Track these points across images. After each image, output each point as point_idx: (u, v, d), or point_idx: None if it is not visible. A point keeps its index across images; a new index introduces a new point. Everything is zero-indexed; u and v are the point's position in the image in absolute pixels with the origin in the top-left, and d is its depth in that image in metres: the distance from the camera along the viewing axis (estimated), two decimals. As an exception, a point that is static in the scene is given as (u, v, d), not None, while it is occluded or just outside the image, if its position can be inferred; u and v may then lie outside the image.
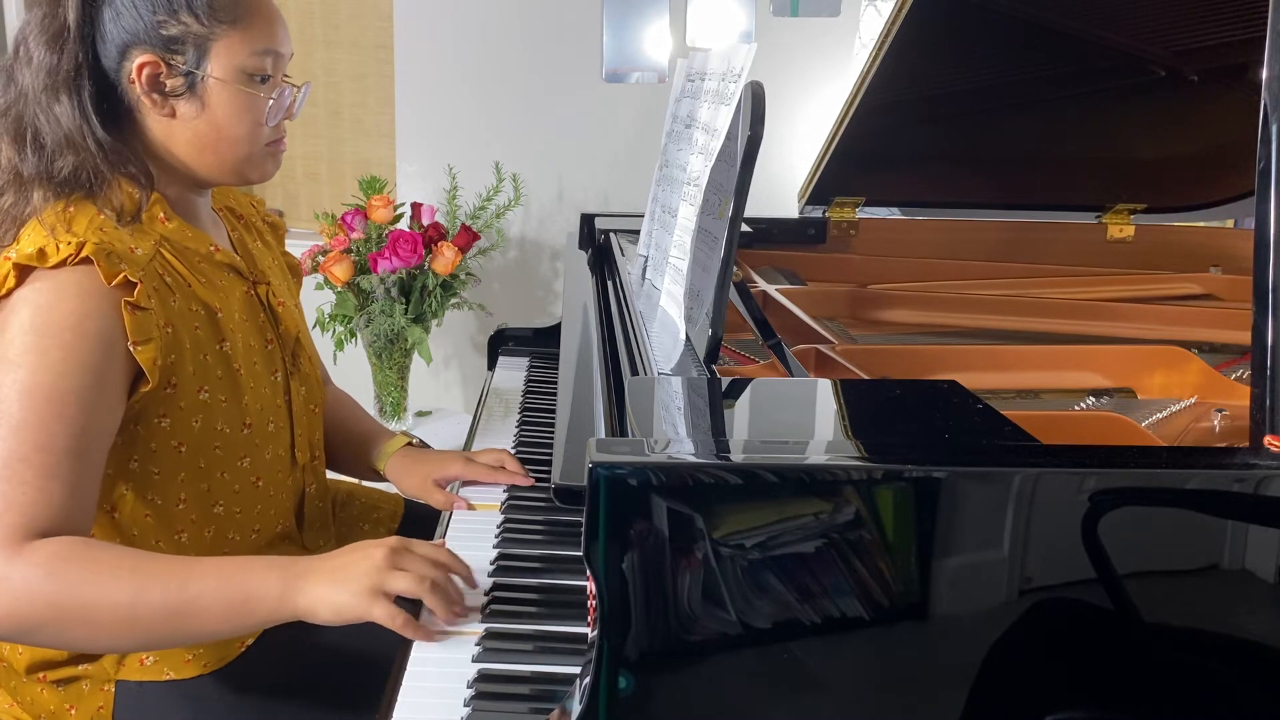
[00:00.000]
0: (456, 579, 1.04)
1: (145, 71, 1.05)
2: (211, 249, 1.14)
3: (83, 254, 0.98)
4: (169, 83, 1.06)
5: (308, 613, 0.96)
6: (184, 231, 1.12)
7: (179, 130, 1.09)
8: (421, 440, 1.42)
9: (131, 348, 1.00)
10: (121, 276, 0.99)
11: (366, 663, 1.12)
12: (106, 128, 1.05)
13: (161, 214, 1.10)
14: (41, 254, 0.98)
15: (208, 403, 1.09)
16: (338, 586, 0.95)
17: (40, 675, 1.12)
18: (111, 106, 1.06)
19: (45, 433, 0.94)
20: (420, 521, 1.41)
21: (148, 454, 1.07)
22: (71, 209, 1.03)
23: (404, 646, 0.99)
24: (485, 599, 1.06)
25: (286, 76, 1.14)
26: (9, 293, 0.99)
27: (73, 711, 1.12)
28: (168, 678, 1.11)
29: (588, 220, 1.88)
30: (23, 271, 0.99)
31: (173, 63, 1.05)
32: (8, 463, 0.93)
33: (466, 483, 1.31)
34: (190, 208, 1.15)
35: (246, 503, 1.17)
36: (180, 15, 1.04)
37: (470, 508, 1.27)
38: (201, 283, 1.11)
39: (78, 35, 1.03)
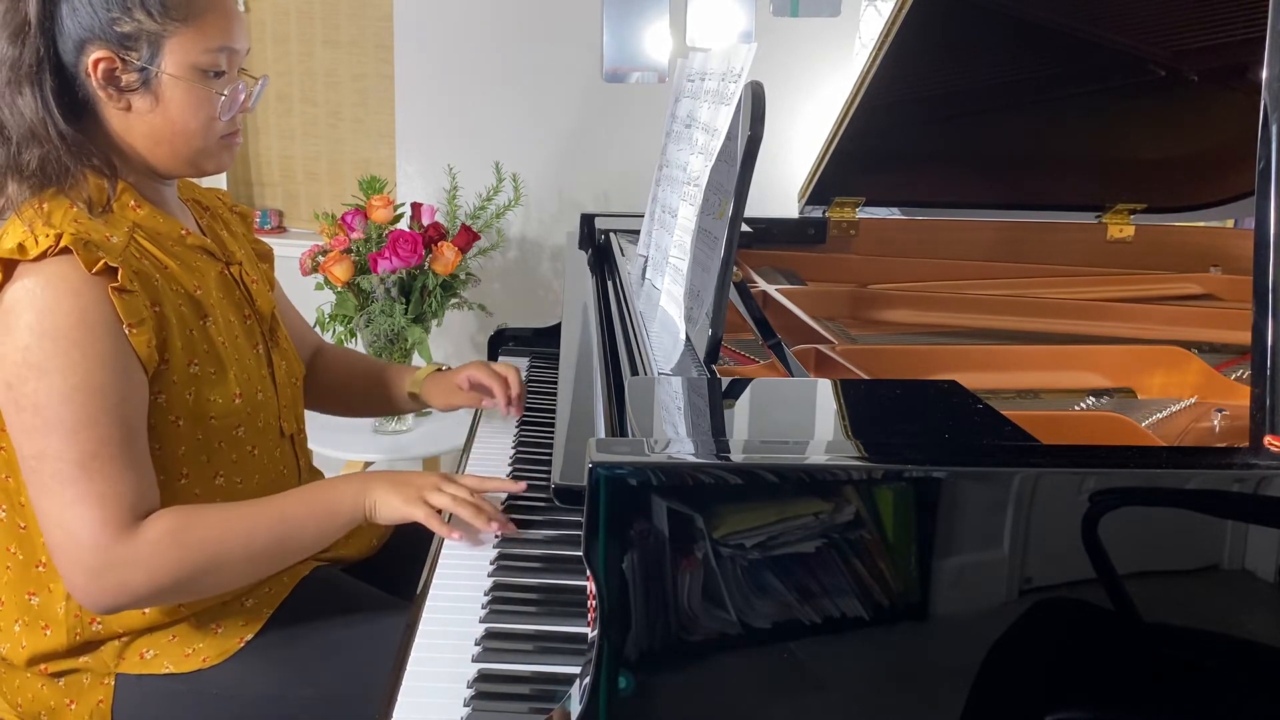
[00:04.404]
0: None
1: (100, 67, 1.06)
2: (183, 233, 1.17)
3: (61, 244, 1.00)
4: (124, 78, 1.08)
5: (370, 511, 1.13)
6: (155, 217, 1.14)
7: (135, 123, 1.10)
8: (448, 366, 1.56)
9: (127, 331, 1.02)
10: (102, 264, 1.01)
11: (366, 659, 1.13)
12: (68, 120, 1.07)
13: (132, 201, 1.12)
14: (21, 248, 1.00)
15: (198, 375, 1.12)
16: (397, 489, 1.13)
17: (41, 668, 1.13)
18: (72, 99, 1.08)
19: (101, 428, 1.00)
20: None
21: (148, 431, 1.08)
22: (46, 204, 1.05)
23: (404, 645, 0.99)
24: (485, 599, 1.06)
25: (243, 70, 1.16)
26: None
27: (72, 706, 1.12)
28: (167, 671, 1.12)
29: (588, 220, 1.88)
30: (6, 266, 1.01)
31: (127, 58, 1.06)
32: (82, 463, 0.99)
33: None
34: (156, 195, 1.17)
35: (245, 472, 1.19)
36: (134, 12, 1.05)
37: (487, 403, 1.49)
38: (178, 264, 1.13)
39: (38, 29, 1.04)
